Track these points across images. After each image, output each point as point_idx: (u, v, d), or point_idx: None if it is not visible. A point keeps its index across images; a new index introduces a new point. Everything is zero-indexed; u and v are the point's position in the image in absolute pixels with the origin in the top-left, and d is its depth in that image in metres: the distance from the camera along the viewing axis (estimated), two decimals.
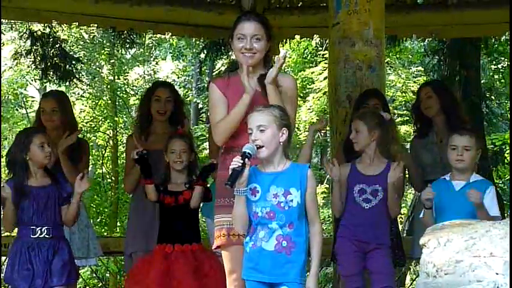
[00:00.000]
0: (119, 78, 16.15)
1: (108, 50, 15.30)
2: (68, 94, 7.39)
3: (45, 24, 9.59)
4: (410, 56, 15.06)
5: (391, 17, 6.89)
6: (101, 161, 15.53)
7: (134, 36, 10.02)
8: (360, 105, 5.43)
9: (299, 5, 8.08)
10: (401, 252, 5.35)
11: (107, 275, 12.57)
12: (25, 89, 16.81)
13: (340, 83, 5.83)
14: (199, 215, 5.51)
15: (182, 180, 5.20)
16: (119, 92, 16.01)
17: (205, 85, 15.51)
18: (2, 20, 8.34)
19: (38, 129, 5.29)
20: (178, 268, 5.03)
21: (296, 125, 11.62)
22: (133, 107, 15.27)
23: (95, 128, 15.66)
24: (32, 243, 4.80)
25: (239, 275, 3.88)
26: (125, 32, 9.41)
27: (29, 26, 10.20)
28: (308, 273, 3.79)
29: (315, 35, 8.72)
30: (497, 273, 2.96)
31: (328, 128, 6.26)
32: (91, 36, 15.27)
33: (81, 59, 12.71)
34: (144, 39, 14.38)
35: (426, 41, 11.24)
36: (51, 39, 10.02)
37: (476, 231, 3.11)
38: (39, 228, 4.80)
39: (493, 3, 7.62)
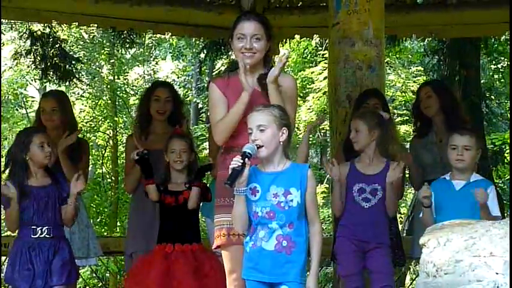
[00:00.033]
0: (118, 78, 16.14)
1: (108, 50, 15.30)
2: (67, 94, 7.39)
3: (45, 24, 9.58)
4: (410, 56, 15.06)
5: (391, 16, 6.88)
6: (101, 161, 15.52)
7: (134, 36, 10.02)
8: (360, 105, 5.43)
9: (299, 4, 8.07)
10: (401, 252, 5.35)
11: (107, 275, 12.57)
12: (25, 89, 16.82)
13: (340, 82, 5.83)
14: (199, 215, 5.51)
15: (182, 180, 5.20)
16: (118, 92, 16.00)
17: (205, 85, 15.51)
18: (2, 20, 8.35)
19: (38, 129, 5.29)
20: (178, 268, 5.03)
21: (296, 125, 11.61)
22: (133, 107, 15.25)
23: (95, 128, 15.65)
24: (32, 243, 4.80)
25: (239, 275, 3.88)
26: (125, 32, 9.41)
27: (29, 26, 10.19)
28: (308, 273, 3.79)
29: (314, 35, 8.72)
30: (497, 273, 2.96)
31: (328, 128, 6.27)
32: (91, 36, 15.27)
33: (81, 59, 12.72)
34: (144, 39, 14.37)
35: (426, 40, 11.23)
36: (51, 39, 10.02)
37: (476, 231, 3.11)
38: (40, 228, 4.81)
39: (492, 3, 7.61)
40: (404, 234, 9.33)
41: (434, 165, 5.60)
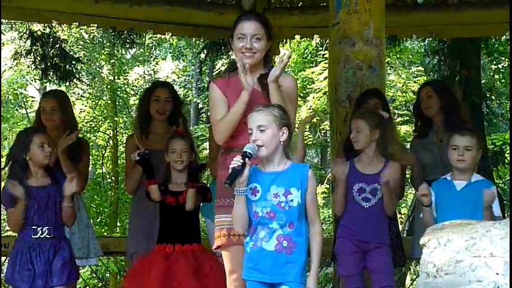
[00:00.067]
0: (119, 78, 16.15)
1: (108, 50, 15.31)
2: (68, 94, 7.39)
3: (45, 24, 9.59)
4: (411, 56, 15.06)
5: (391, 16, 6.88)
6: (101, 161, 15.52)
7: (134, 36, 10.03)
8: (360, 105, 5.43)
9: (299, 5, 8.07)
10: (401, 252, 5.35)
11: (107, 275, 12.57)
12: (25, 89, 16.82)
13: (340, 83, 5.83)
14: (200, 215, 5.51)
15: (183, 180, 5.20)
16: (119, 92, 16.00)
17: (206, 85, 15.51)
18: (2, 20, 8.35)
19: (38, 129, 5.28)
20: (178, 269, 5.03)
21: (296, 125, 11.59)
22: (133, 107, 15.25)
23: (95, 128, 15.65)
24: (33, 243, 4.79)
25: (239, 275, 3.88)
26: (125, 32, 9.42)
27: (29, 26, 10.20)
28: (308, 273, 3.79)
29: (315, 35, 8.71)
30: (497, 273, 2.95)
31: (328, 128, 6.26)
32: (91, 36, 15.27)
33: (81, 59, 12.71)
34: (144, 39, 14.39)
35: (426, 41, 11.24)
36: (51, 39, 10.02)
37: (476, 231, 3.11)
38: (40, 228, 4.80)
39: (493, 3, 7.61)
40: (405, 235, 9.33)
41: (435, 166, 5.60)
